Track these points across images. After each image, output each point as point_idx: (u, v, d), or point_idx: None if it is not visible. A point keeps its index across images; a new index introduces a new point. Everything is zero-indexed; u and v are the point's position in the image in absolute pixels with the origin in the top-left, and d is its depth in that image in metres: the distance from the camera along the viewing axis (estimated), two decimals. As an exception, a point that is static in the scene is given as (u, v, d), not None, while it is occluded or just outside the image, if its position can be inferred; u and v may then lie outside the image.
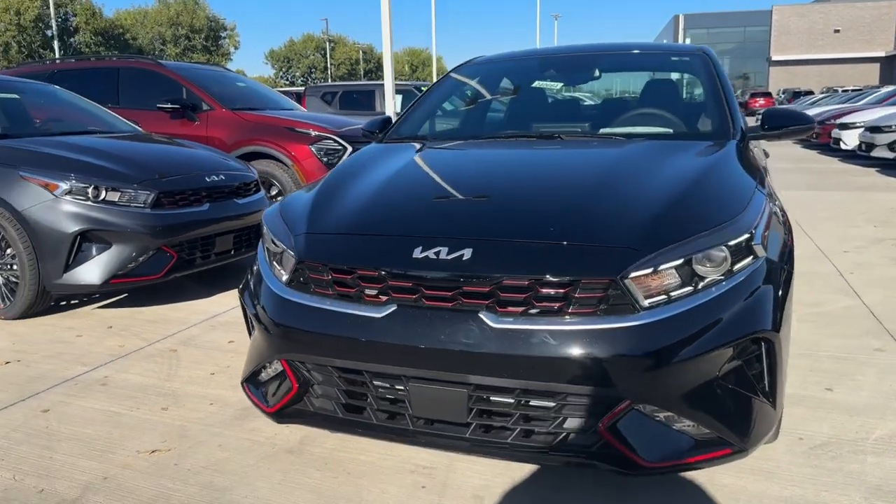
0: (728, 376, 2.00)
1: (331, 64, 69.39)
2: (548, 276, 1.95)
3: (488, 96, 3.89)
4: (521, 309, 1.97)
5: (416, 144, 3.16)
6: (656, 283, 1.97)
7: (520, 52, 4.01)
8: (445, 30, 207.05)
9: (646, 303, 1.93)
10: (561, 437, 2.00)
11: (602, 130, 3.16)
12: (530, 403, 2.01)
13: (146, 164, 4.65)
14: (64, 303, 4.69)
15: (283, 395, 2.29)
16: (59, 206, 4.18)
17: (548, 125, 3.37)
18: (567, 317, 1.93)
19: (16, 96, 5.40)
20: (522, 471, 2.41)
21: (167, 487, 2.37)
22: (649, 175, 2.40)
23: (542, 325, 1.93)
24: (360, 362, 2.11)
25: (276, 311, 2.25)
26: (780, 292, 2.14)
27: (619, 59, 3.71)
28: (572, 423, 2.00)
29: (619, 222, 2.10)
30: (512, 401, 2.01)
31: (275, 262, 2.39)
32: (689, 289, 1.98)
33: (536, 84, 3.70)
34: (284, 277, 2.30)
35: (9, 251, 4.25)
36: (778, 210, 2.51)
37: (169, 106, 7.03)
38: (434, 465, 2.46)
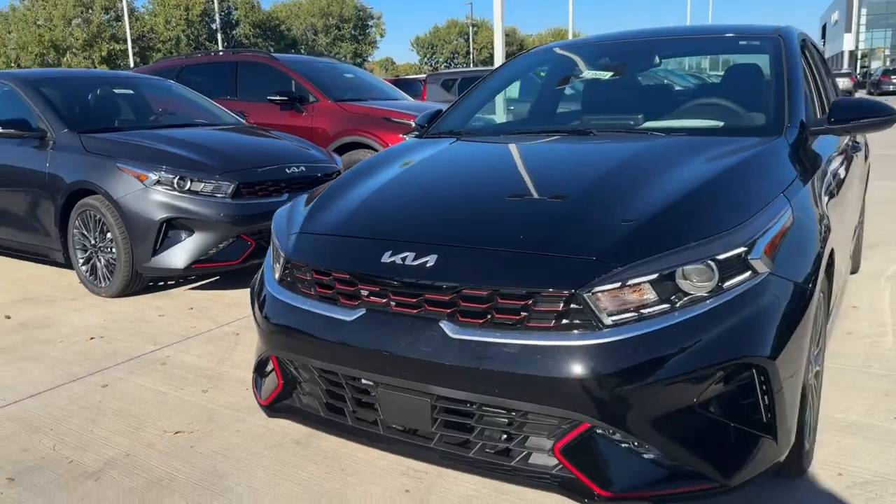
0: (708, 404, 1.81)
1: (473, 49, 69.81)
2: (506, 287, 1.86)
3: (548, 86, 3.74)
4: (481, 320, 1.88)
5: (444, 140, 3.10)
6: (626, 298, 1.81)
7: (578, 39, 3.81)
8: (590, 7, 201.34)
9: (609, 320, 1.79)
10: (522, 455, 1.91)
11: (642, 125, 2.93)
12: (490, 419, 1.93)
13: (231, 156, 4.92)
14: (161, 283, 5.08)
15: (272, 390, 2.35)
16: (149, 195, 4.52)
17: (588, 118, 3.19)
18: (526, 331, 1.83)
19: (131, 92, 5.89)
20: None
21: (174, 469, 2.51)
22: (653, 177, 2.21)
23: (499, 337, 1.84)
24: (334, 364, 2.12)
25: (267, 308, 2.30)
26: (788, 314, 1.90)
27: (681, 45, 3.43)
28: (532, 442, 1.90)
29: (595, 231, 1.95)
30: (473, 414, 1.94)
31: (274, 261, 2.45)
32: (665, 306, 1.81)
33: (587, 74, 3.51)
34: (277, 275, 2.35)
35: (108, 235, 4.66)
36: (816, 220, 2.23)
37: (278, 98, 7.38)
38: (426, 470, 2.43)
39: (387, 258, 2.04)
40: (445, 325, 1.91)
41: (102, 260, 4.76)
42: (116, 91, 5.81)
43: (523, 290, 1.84)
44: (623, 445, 1.83)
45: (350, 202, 2.44)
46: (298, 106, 7.43)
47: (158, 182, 4.53)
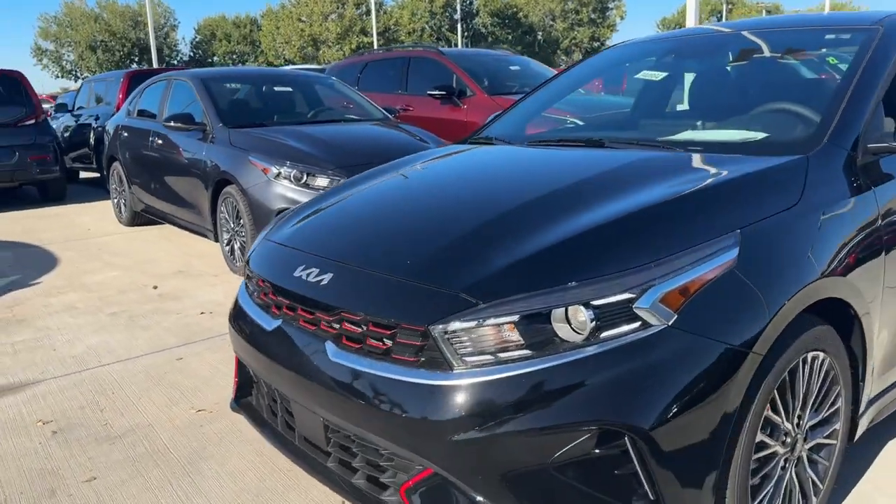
0: (568, 469, 1.59)
1: (722, 30, 64.85)
2: (374, 314, 1.79)
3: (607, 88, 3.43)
4: (358, 345, 1.83)
5: (464, 147, 2.99)
6: (485, 339, 1.65)
7: (653, 35, 3.41)
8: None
9: (461, 360, 1.64)
10: (387, 491, 1.83)
11: (665, 137, 2.57)
12: (366, 446, 1.88)
13: (348, 151, 5.19)
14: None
15: (234, 387, 2.49)
16: (270, 187, 4.94)
17: (626, 125, 2.86)
18: (390, 362, 1.75)
19: (289, 89, 6.42)
20: None
21: (175, 444, 2.77)
22: (585, 205, 1.93)
23: (366, 367, 1.78)
24: (257, 371, 2.20)
25: (233, 308, 2.44)
26: (688, 378, 1.59)
27: (759, 41, 2.92)
28: (390, 478, 1.81)
29: (472, 263, 1.78)
30: (353, 440, 1.90)
31: None
32: (526, 352, 1.62)
33: (642, 75, 3.13)
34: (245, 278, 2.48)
35: (241, 220, 5.18)
36: (802, 262, 1.82)
37: (437, 93, 7.58)
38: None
39: (298, 272, 2.06)
40: (329, 347, 1.89)
41: (238, 242, 5.31)
42: (276, 88, 6.38)
43: (389, 319, 1.76)
44: (470, 499, 1.67)
45: (311, 213, 2.48)
46: (456, 100, 7.56)
47: (278, 175, 4.93)
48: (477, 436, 1.60)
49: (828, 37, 2.72)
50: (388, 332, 1.76)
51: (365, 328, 1.81)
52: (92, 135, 10.05)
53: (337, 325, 1.89)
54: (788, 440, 1.91)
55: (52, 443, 2.82)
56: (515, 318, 1.63)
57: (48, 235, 7.23)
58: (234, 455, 2.67)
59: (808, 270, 1.84)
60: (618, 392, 1.58)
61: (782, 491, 1.92)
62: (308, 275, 2.02)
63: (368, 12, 44.98)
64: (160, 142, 6.35)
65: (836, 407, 2.07)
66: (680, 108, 2.99)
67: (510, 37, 52.83)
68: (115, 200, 7.74)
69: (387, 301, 1.81)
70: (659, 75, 3.05)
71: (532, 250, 1.77)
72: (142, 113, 7.11)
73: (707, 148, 2.37)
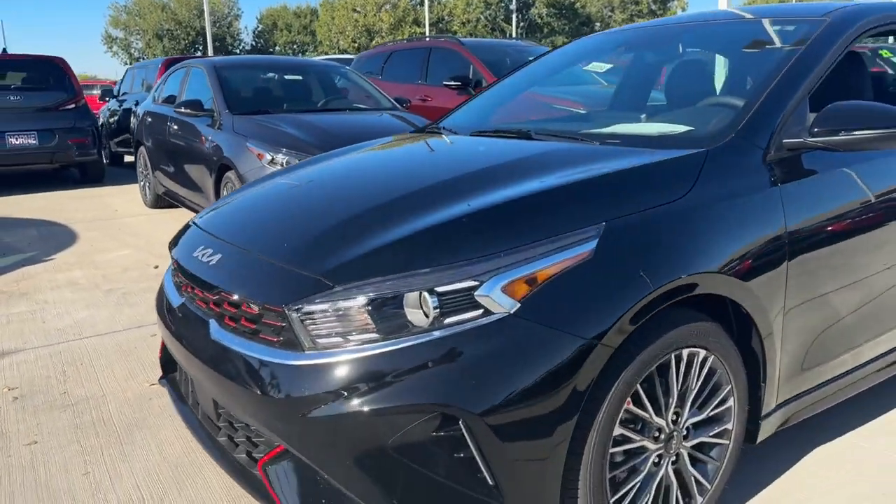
0: (409, 451, 1.62)
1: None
2: (244, 294, 1.85)
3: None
4: (234, 324, 1.90)
5: (408, 136, 3.02)
6: (337, 321, 1.69)
7: (612, 30, 3.35)
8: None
9: (312, 341, 1.69)
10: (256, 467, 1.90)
11: (587, 130, 2.55)
12: (238, 424, 1.95)
13: (344, 139, 5.25)
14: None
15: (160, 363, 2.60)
16: (263, 173, 5.06)
17: (563, 118, 2.84)
18: (255, 342, 1.81)
19: (299, 77, 6.55)
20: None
21: (119, 415, 2.90)
22: (463, 194, 1.94)
23: (235, 345, 1.84)
24: (170, 348, 2.29)
25: (159, 289, 2.54)
26: (529, 367, 1.60)
27: (707, 35, 2.84)
28: (260, 453, 1.88)
29: (336, 248, 1.82)
30: (231, 416, 1.97)
31: None
32: (373, 335, 1.65)
33: (589, 67, 3.09)
34: (173, 257, 2.58)
35: (239, 205, 5.33)
36: (659, 259, 1.80)
37: (452, 83, 7.60)
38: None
39: (196, 252, 2.15)
40: (212, 325, 1.96)
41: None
42: (287, 77, 6.51)
43: (256, 300, 1.82)
44: (318, 476, 1.72)
45: (236, 197, 2.56)
46: (471, 91, 7.55)
47: (271, 161, 5.05)
48: (321, 415, 1.65)
49: (774, 28, 2.64)
50: (256, 313, 1.82)
51: (239, 308, 1.87)
52: (133, 119, 10.44)
53: (218, 305, 1.96)
54: (662, 436, 1.90)
55: (10, 408, 2.99)
56: (364, 301, 1.67)
57: (77, 215, 7.57)
58: (167, 427, 2.78)
59: (682, 265, 1.81)
60: (454, 377, 1.60)
61: (654, 487, 1.91)
62: (202, 255, 2.10)
63: (422, 2, 45.12)
64: (175, 127, 6.57)
65: (725, 406, 2.03)
66: (628, 100, 2.95)
67: (566, 28, 52.15)
68: (142, 184, 8.04)
69: (256, 282, 1.87)
70: (604, 67, 3.01)
71: (396, 237, 1.80)
72: (166, 100, 7.35)
73: (624, 141, 2.35)
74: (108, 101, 12.24)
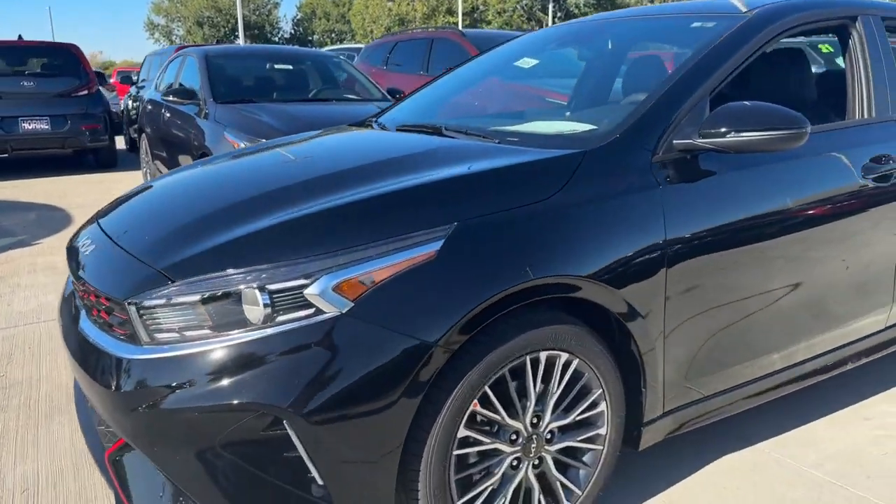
0: (239, 449, 1.62)
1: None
2: (98, 287, 1.86)
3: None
4: (96, 316, 1.92)
5: (334, 129, 3.01)
6: (174, 316, 1.69)
7: (551, 27, 3.28)
8: None
9: (148, 336, 1.69)
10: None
11: (494, 127, 2.50)
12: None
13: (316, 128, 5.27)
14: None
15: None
16: (239, 162, 5.11)
17: (477, 114, 2.79)
18: (108, 334, 1.82)
19: (290, 67, 6.57)
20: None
21: (47, 398, 2.97)
22: (336, 189, 1.91)
23: (94, 336, 1.86)
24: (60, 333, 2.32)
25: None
26: (359, 367, 1.59)
27: (631, 31, 2.76)
28: (107, 443, 1.90)
29: (185, 242, 1.81)
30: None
31: None
32: (205, 331, 1.65)
33: (520, 62, 3.02)
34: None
35: (217, 194, 5.39)
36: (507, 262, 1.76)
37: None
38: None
39: (79, 242, 2.17)
40: (82, 316, 1.98)
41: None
42: (277, 67, 6.54)
43: (106, 292, 1.83)
44: (158, 473, 1.73)
45: (141, 189, 2.57)
46: (468, 82, 7.50)
47: (246, 151, 5.09)
48: (154, 410, 1.65)
49: (694, 24, 2.56)
50: (108, 305, 1.83)
51: (97, 300, 1.89)
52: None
53: (87, 296, 1.98)
54: (519, 439, 1.86)
55: (-52, 388, 3.08)
56: (200, 297, 1.67)
57: (80, 199, 7.73)
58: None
59: (541, 267, 1.77)
60: (280, 376, 1.59)
61: (511, 490, 1.88)
62: (82, 246, 2.13)
63: (458, -9, 44.85)
64: (168, 115, 6.65)
65: (597, 410, 1.99)
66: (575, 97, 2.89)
67: (604, 18, 51.39)
68: (144, 171, 8.17)
69: (110, 274, 1.89)
70: (531, 62, 2.96)
71: (242, 233, 1.79)
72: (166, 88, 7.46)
73: (521, 140, 2.29)
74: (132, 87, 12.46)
